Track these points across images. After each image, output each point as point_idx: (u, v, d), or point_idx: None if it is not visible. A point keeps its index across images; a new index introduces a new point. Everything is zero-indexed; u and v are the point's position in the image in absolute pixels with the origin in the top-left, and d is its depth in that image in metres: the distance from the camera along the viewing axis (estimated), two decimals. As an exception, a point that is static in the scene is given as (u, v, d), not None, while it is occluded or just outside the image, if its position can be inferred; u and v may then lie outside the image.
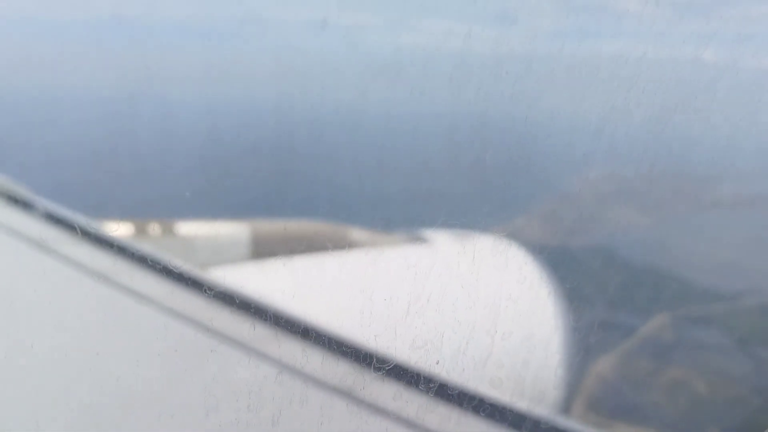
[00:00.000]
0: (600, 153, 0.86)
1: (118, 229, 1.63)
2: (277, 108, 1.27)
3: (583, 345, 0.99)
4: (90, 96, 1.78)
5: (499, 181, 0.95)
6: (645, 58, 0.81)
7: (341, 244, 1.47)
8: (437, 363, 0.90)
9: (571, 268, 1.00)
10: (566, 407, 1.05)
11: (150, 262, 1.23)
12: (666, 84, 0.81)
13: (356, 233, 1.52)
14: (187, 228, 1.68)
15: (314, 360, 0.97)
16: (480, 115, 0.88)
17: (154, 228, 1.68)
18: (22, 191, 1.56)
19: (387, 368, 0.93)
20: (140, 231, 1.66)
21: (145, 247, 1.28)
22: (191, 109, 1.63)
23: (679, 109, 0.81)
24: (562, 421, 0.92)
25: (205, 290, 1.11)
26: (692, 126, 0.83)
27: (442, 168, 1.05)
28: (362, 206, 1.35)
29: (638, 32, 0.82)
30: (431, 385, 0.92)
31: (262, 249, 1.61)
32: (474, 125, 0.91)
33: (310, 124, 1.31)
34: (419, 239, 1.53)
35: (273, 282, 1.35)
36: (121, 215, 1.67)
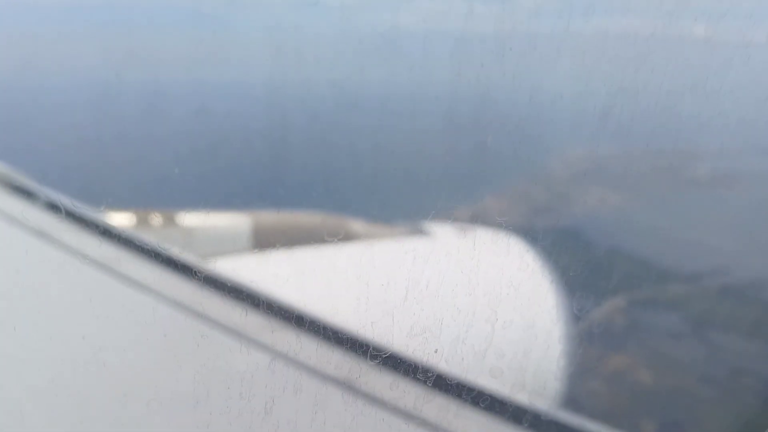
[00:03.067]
0: (606, 135, 0.83)
1: (119, 219, 1.62)
2: (273, 96, 1.25)
3: (584, 335, 0.96)
4: (91, 84, 1.77)
5: (500, 165, 0.93)
6: (653, 36, 0.78)
7: (341, 236, 1.44)
8: (435, 352, 0.87)
9: (572, 259, 0.98)
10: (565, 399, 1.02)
11: (148, 251, 1.21)
12: (675, 63, 0.78)
13: (356, 225, 1.50)
14: (186, 218, 1.67)
15: (309, 348, 0.95)
16: (481, 97, 0.86)
17: (154, 218, 1.67)
18: (23, 179, 1.55)
19: (383, 357, 0.90)
20: (140, 221, 1.65)
21: (144, 237, 1.26)
22: (189, 99, 1.62)
23: (688, 90, 0.78)
24: (562, 414, 0.89)
25: (199, 277, 1.09)
26: (700, 107, 0.80)
27: (442, 152, 1.03)
28: (362, 197, 1.33)
29: (647, 9, 0.79)
30: (429, 376, 0.90)
31: (261, 240, 1.59)
32: (474, 107, 0.88)
33: (307, 113, 1.29)
34: (420, 231, 1.50)
35: (272, 274, 1.33)
36: (122, 205, 1.67)
